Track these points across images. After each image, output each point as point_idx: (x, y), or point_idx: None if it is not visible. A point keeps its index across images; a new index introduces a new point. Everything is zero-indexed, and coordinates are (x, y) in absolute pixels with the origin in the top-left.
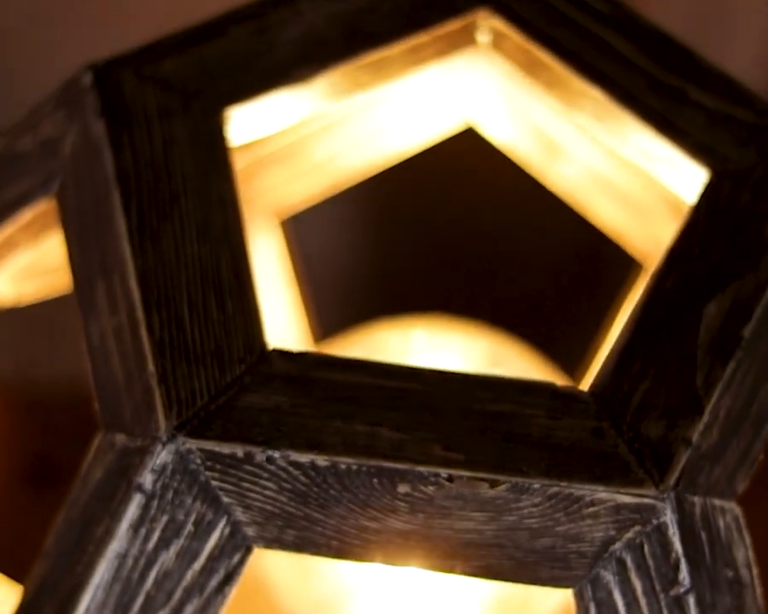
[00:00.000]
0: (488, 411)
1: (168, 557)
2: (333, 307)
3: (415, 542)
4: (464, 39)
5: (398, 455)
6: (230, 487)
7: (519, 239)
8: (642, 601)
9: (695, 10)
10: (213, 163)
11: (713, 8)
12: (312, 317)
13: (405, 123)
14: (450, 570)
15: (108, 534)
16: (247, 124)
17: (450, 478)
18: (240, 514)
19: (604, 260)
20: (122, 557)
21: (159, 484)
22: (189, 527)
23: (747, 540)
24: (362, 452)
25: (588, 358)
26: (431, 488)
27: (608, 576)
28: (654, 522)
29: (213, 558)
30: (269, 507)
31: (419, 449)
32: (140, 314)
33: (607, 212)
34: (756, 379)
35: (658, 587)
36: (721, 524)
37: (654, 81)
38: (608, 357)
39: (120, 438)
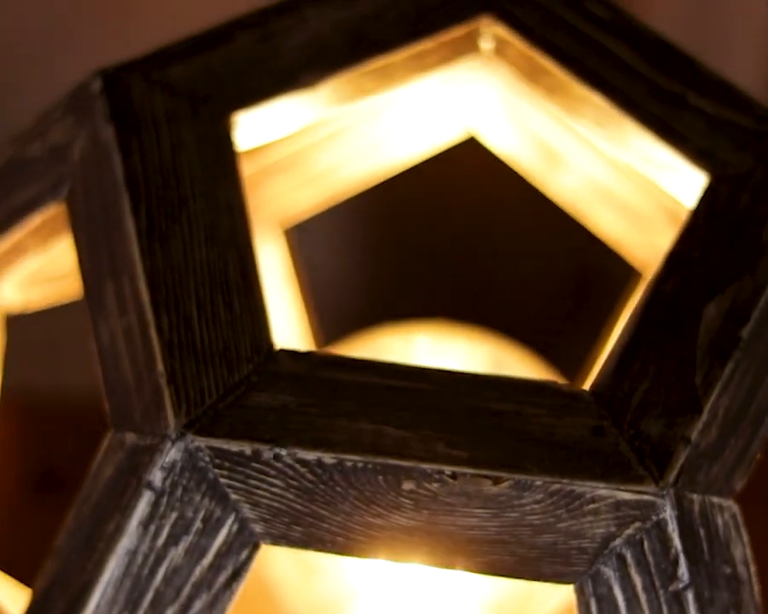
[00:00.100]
0: (491, 410)
1: (177, 553)
2: (335, 315)
3: (419, 539)
4: (467, 46)
5: (402, 453)
6: (238, 484)
7: (520, 246)
8: (642, 597)
9: (694, 16)
10: (221, 167)
11: (713, 14)
12: (315, 325)
13: (408, 132)
14: (454, 567)
15: (118, 531)
16: (253, 129)
17: (453, 476)
18: (247, 511)
19: (604, 268)
20: (132, 553)
21: (168, 482)
22: (198, 524)
23: (745, 537)
24: (367, 450)
25: (588, 363)
26: (435, 485)
27: (609, 572)
28: (654, 518)
29: (221, 555)
30: (276, 504)
31: (423, 447)
32: (149, 315)
33: (607, 222)
34: (754, 380)
35: (657, 583)
36: (719, 521)
37: (655, 87)
38: (609, 357)
39: (130, 437)
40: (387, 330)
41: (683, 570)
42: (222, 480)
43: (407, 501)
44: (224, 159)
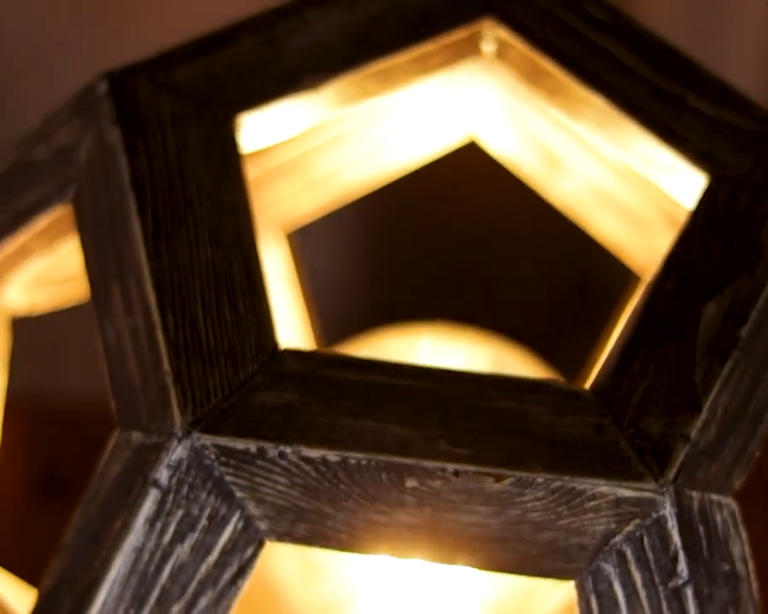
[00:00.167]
0: (493, 408)
1: (183, 550)
2: (337, 319)
3: (422, 536)
4: (469, 49)
5: (406, 451)
6: (243, 482)
7: (521, 249)
8: (642, 593)
9: (695, 17)
10: (226, 169)
11: (713, 15)
12: (317, 328)
13: (409, 136)
14: (456, 563)
15: (125, 528)
16: (257, 131)
17: (456, 473)
18: (252, 508)
19: (604, 271)
20: (138, 551)
21: (174, 480)
22: (204, 521)
23: (744, 535)
24: (371, 448)
25: (588, 365)
26: (438, 482)
27: (609, 569)
28: (654, 515)
29: (227, 552)
30: (281, 502)
31: (426, 445)
32: (155, 315)
33: (606, 226)
34: (753, 379)
35: (657, 580)
36: (718, 518)
37: (655, 89)
38: (609, 357)
39: (137, 436)
40: (390, 332)
41: (682, 566)
42: (227, 478)
43: (410, 498)
44: (228, 161)
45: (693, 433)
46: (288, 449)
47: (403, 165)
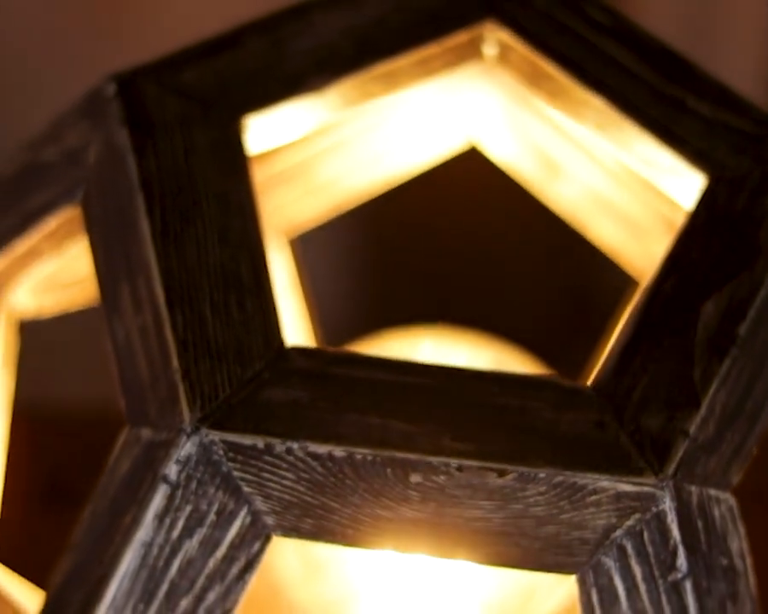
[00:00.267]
0: (496, 404)
1: (192, 545)
2: (338, 324)
3: (426, 530)
4: (471, 52)
5: (410, 446)
6: (251, 477)
7: (521, 254)
8: (642, 587)
9: (695, 18)
10: (232, 169)
11: (713, 16)
12: (319, 333)
13: (410, 142)
14: (460, 558)
15: (135, 523)
16: (263, 132)
17: (460, 468)
18: (260, 504)
19: (603, 276)
20: (148, 545)
21: (183, 475)
22: (212, 516)
23: (742, 530)
24: (376, 443)
25: (588, 368)
26: (442, 477)
27: (610, 563)
28: (654, 510)
29: (234, 547)
30: (287, 497)
31: (430, 441)
32: (164, 314)
33: (605, 231)
34: (751, 376)
35: (657, 573)
36: (717, 513)
37: (654, 90)
38: (610, 354)
39: (146, 433)
40: (391, 335)
41: (681, 560)
42: (235, 473)
43: (414, 493)
44: (235, 162)
45: (692, 429)
46: (295, 445)
47: (404, 170)
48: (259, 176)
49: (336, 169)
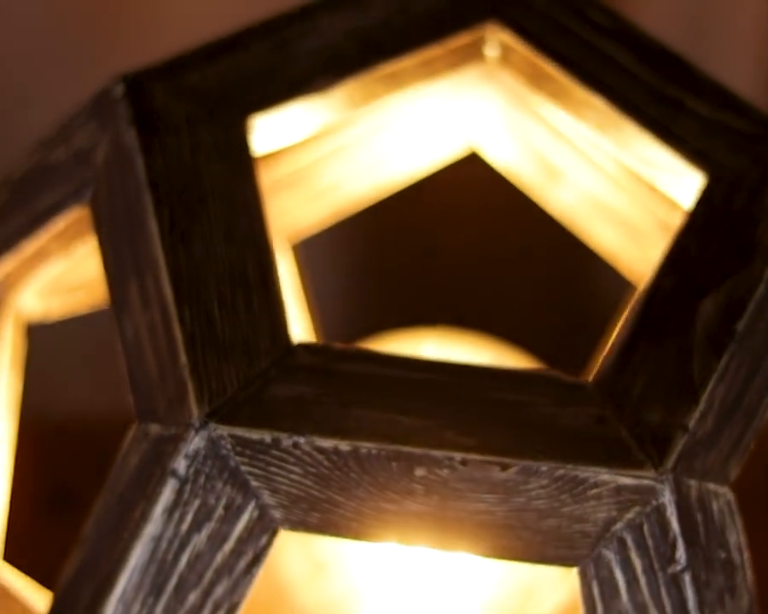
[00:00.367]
0: (499, 399)
1: (200, 539)
2: (340, 328)
3: (430, 524)
4: (474, 53)
5: (414, 440)
6: (258, 471)
7: (521, 257)
8: (642, 579)
9: (694, 18)
10: (238, 169)
11: (713, 16)
12: (321, 337)
13: (411, 147)
14: (463, 551)
15: (144, 518)
16: (269, 133)
17: (463, 462)
18: (267, 498)
19: (603, 279)
20: (157, 539)
21: (192, 470)
22: (220, 510)
23: (739, 524)
24: (381, 437)
25: (587, 369)
26: (446, 471)
27: (610, 555)
28: (654, 503)
29: (242, 541)
30: (294, 491)
31: (434, 435)
32: (172, 310)
33: (604, 236)
34: (749, 372)
35: (656, 566)
36: (715, 507)
37: (653, 91)
38: (610, 350)
39: (154, 428)
40: (392, 336)
41: (680, 552)
42: (243, 468)
43: (419, 486)
44: (241, 162)
45: (691, 423)
46: (302, 439)
47: (405, 175)
48: (261, 181)
49: (337, 174)
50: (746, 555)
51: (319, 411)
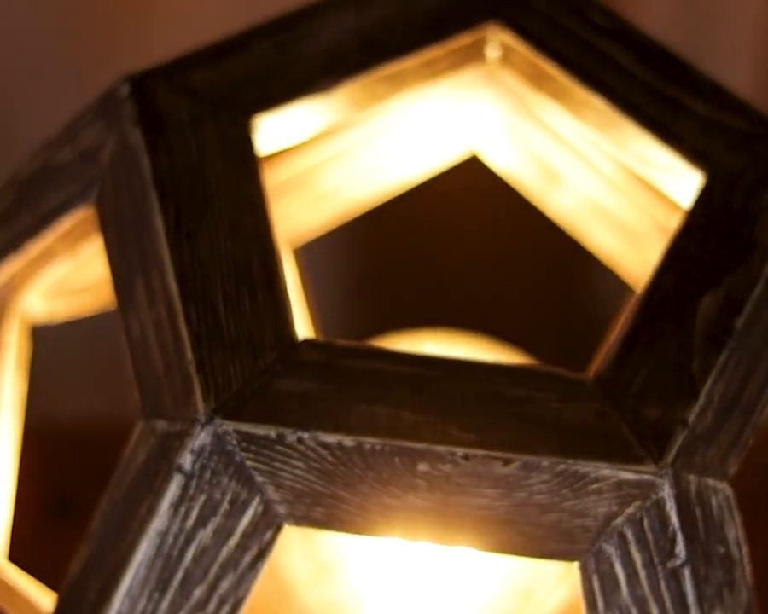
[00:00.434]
0: (500, 395)
1: (206, 534)
2: (340, 329)
3: (433, 518)
4: (475, 54)
5: (417, 436)
6: (263, 467)
7: (520, 259)
8: (642, 573)
9: (694, 18)
10: (243, 168)
11: (712, 16)
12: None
13: (412, 152)
14: (466, 545)
15: (150, 513)
16: (273, 133)
17: (465, 457)
18: (272, 493)
19: (602, 281)
20: (163, 534)
21: (197, 465)
22: (225, 505)
23: (738, 520)
24: (384, 433)
25: (586, 369)
26: (448, 466)
27: (610, 550)
28: (653, 497)
29: (247, 536)
30: (299, 486)
31: (437, 430)
32: (178, 307)
33: (603, 239)
34: (747, 368)
35: (656, 560)
36: (714, 502)
37: (653, 91)
38: (611, 347)
39: (161, 424)
40: (393, 338)
41: (680, 547)
42: (248, 463)
43: (422, 481)
44: (245, 160)
45: (690, 419)
46: (306, 435)
47: (406, 179)
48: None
49: (338, 179)
50: (744, 550)
51: (323, 406)
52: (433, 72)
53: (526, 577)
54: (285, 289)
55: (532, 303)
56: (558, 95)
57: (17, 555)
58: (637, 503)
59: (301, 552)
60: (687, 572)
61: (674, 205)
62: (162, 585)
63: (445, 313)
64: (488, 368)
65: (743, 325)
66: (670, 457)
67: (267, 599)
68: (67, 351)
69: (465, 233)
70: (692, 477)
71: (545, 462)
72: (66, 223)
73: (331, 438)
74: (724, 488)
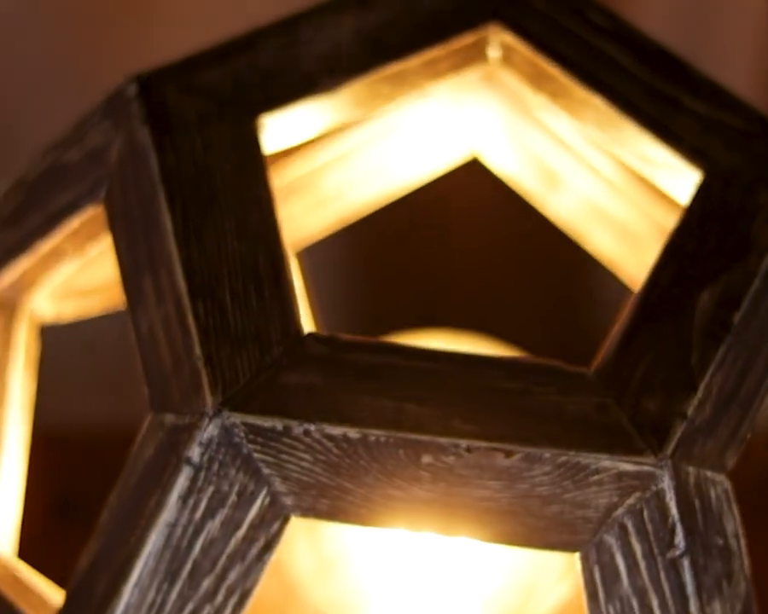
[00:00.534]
0: (503, 388)
1: (214, 526)
2: (341, 331)
3: (436, 510)
4: (476, 54)
5: (421, 428)
6: (270, 459)
7: (520, 261)
8: (642, 564)
9: (694, 18)
10: (249, 166)
11: (712, 16)
12: None
13: (414, 154)
14: (469, 536)
15: (159, 505)
16: (279, 132)
17: (468, 449)
18: (279, 485)
19: (602, 282)
20: (172, 526)
21: (206, 457)
22: (233, 497)
23: (736, 512)
24: (389, 425)
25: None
26: (451, 458)
27: (611, 540)
28: (653, 489)
29: (254, 527)
30: (305, 478)
31: (441, 422)
32: (186, 303)
33: (602, 241)
34: (745, 363)
35: (656, 550)
36: (713, 494)
37: (651, 90)
38: (611, 341)
39: (169, 418)
40: (397, 339)
41: (679, 538)
42: (255, 455)
43: (425, 473)
44: (251, 159)
45: (689, 411)
46: (312, 427)
47: (409, 182)
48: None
49: (340, 182)
50: (743, 543)
51: (329, 399)
52: (435, 72)
53: (527, 574)
54: (291, 285)
55: (533, 305)
56: (558, 94)
57: (24, 557)
58: (638, 494)
59: (307, 549)
60: (686, 563)
61: (674, 207)
62: (171, 576)
63: (445, 314)
64: (490, 362)
65: (741, 320)
66: (669, 449)
67: (274, 596)
68: (75, 355)
69: (465, 235)
70: (691, 469)
71: (547, 454)
72: (74, 223)
73: (336, 430)
74: (723, 480)
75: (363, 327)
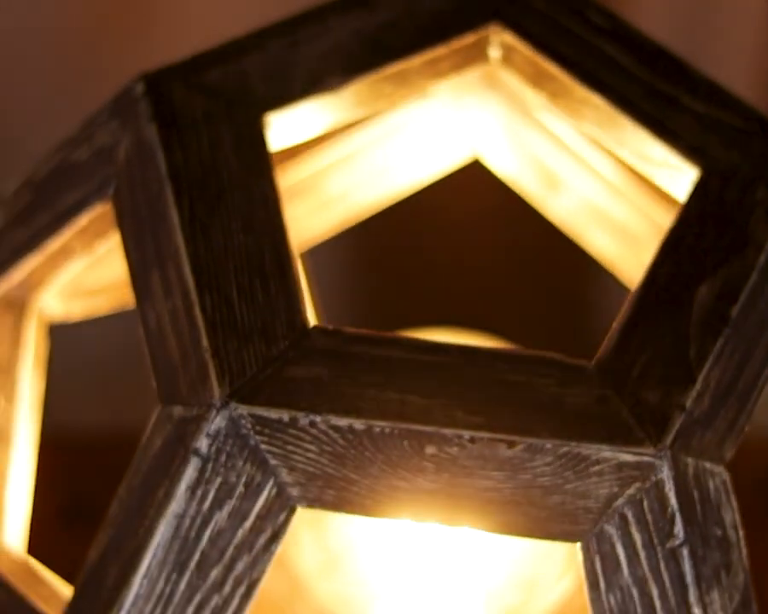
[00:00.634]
0: (505, 380)
1: (221, 516)
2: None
3: (440, 500)
4: (477, 53)
5: (425, 419)
6: (277, 450)
7: (521, 261)
8: (642, 554)
9: (694, 17)
10: (255, 163)
11: (712, 15)
12: None
13: (417, 156)
14: (472, 526)
15: (167, 496)
16: (284, 130)
17: (472, 440)
18: (285, 476)
19: (600, 283)
20: (180, 517)
21: (213, 448)
22: (240, 488)
23: (734, 503)
24: (394, 417)
25: None
26: (455, 449)
27: (612, 530)
28: (653, 479)
29: (261, 518)
30: (311, 469)
31: (444, 414)
32: (194, 297)
33: (601, 242)
34: (743, 355)
35: (656, 540)
36: (711, 485)
37: (650, 89)
38: (611, 334)
39: (177, 410)
40: None
41: (678, 527)
42: (262, 446)
43: (429, 464)
44: (257, 156)
45: (688, 403)
46: (318, 418)
47: (411, 184)
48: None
49: (343, 183)
50: (741, 534)
51: (334, 391)
52: (436, 71)
53: (529, 570)
54: (297, 279)
55: (533, 304)
56: (558, 94)
57: (37, 557)
58: (637, 485)
59: (312, 542)
60: (685, 552)
61: (673, 208)
62: (179, 567)
63: (446, 314)
64: (493, 355)
65: (739, 313)
66: (668, 440)
67: (280, 590)
68: (81, 361)
69: (466, 235)
70: (690, 460)
71: (548, 444)
72: (83, 221)
73: (342, 422)
74: (721, 472)
75: (366, 327)
